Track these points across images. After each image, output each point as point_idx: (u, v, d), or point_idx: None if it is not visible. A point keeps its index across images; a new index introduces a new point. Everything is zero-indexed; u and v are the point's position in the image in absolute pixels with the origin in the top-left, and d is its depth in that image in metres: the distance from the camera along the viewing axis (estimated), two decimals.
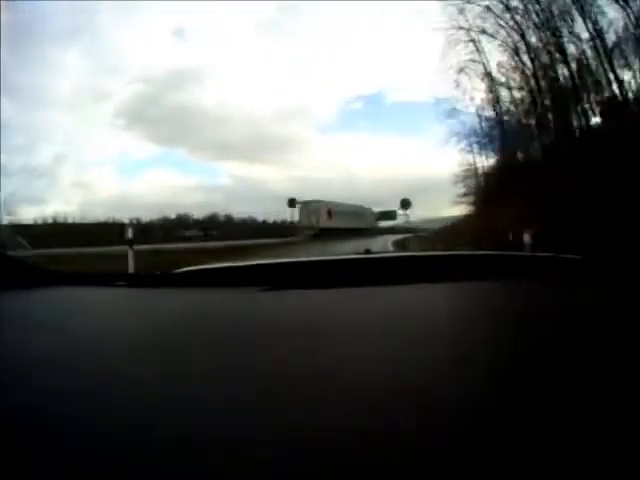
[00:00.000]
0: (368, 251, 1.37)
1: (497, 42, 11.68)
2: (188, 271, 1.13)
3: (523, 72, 11.52)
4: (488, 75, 12.10)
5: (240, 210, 21.12)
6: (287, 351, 0.55)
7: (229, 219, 21.28)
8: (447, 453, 0.32)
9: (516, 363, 0.50)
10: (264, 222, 21.39)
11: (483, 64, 12.05)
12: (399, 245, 14.86)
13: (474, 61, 12.13)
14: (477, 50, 12.04)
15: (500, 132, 12.72)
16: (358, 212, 21.13)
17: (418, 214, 20.99)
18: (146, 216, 19.06)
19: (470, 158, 13.79)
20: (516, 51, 11.40)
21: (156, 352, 0.58)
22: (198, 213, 20.44)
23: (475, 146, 13.65)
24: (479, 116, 13.01)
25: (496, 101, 12.28)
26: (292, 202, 19.04)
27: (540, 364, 0.49)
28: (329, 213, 19.46)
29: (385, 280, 0.97)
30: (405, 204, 19.70)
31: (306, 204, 18.95)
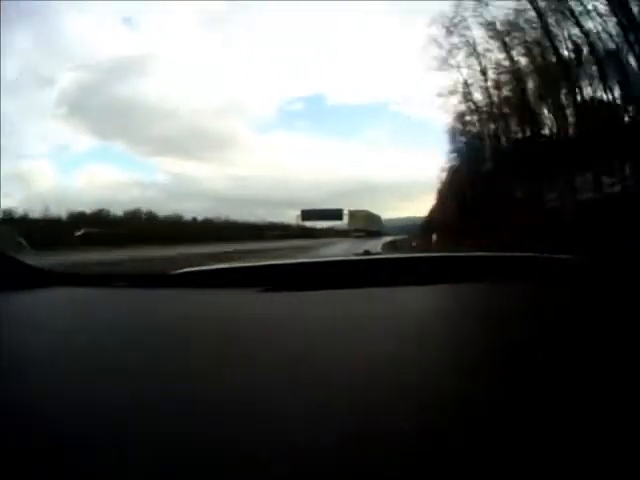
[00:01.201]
0: (367, 252, 1.37)
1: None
2: (188, 272, 1.14)
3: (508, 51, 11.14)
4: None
5: (177, 208, 20.32)
6: (286, 352, 0.55)
7: (152, 217, 19.40)
8: (447, 454, 0.32)
9: (513, 363, 0.50)
10: (194, 220, 20.68)
11: None
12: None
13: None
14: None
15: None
16: (375, 218, 24.40)
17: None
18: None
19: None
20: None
21: (156, 352, 0.58)
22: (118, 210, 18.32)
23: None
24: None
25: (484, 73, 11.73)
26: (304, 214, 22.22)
27: (536, 364, 0.49)
28: (366, 219, 23.90)
29: (384, 281, 0.97)
30: None
31: (355, 212, 23.29)
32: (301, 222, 23.80)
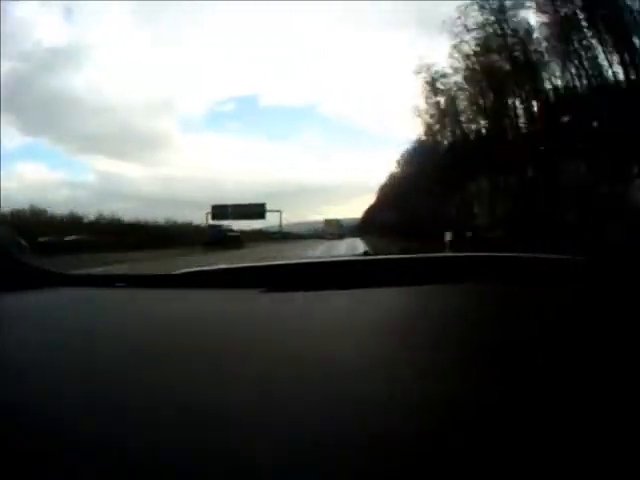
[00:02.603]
0: (367, 253, 1.38)
1: None
2: (188, 272, 1.14)
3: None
4: None
5: (105, 208, 18.20)
6: (288, 352, 0.55)
7: (39, 214, 15.66)
8: (447, 455, 0.32)
9: (512, 364, 0.50)
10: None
11: None
12: None
13: None
14: None
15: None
16: (340, 224, 30.04)
17: (287, 217, 22.03)
18: None
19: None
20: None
21: (157, 353, 0.58)
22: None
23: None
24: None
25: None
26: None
27: (536, 365, 0.49)
28: (336, 225, 30.00)
29: (385, 282, 0.97)
30: None
31: (329, 220, 29.74)
32: (212, 221, 19.90)
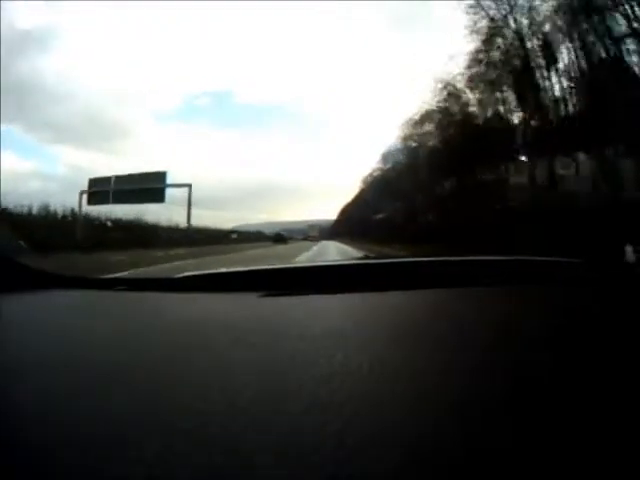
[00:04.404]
0: (367, 256, 1.38)
1: None
2: (189, 276, 1.14)
3: None
4: None
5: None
6: (287, 356, 0.55)
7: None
8: (446, 455, 0.32)
9: (514, 365, 0.50)
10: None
11: None
12: None
13: None
14: None
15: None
16: (320, 227, 35.14)
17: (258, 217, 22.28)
18: None
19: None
20: None
21: (157, 356, 0.58)
22: None
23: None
24: None
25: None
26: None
27: (545, 369, 0.49)
28: (317, 229, 36.35)
29: (387, 285, 0.97)
30: None
31: (312, 224, 34.66)
32: (87, 206, 15.15)
